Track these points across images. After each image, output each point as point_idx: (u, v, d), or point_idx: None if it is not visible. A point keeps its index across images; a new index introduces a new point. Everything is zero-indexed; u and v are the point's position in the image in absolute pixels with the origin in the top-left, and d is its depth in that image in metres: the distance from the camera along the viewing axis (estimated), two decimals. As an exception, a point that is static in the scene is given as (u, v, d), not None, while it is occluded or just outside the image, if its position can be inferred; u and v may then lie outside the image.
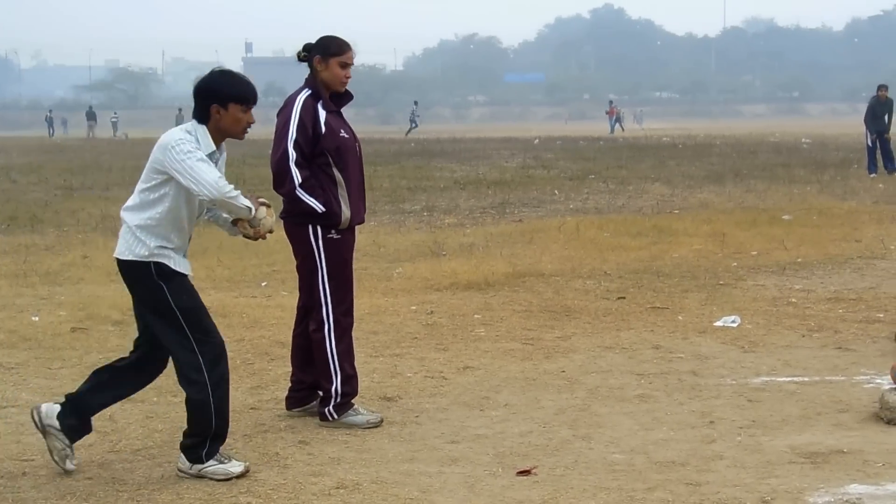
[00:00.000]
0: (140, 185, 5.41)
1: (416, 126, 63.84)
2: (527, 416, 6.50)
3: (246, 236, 5.60)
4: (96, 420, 5.77)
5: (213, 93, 5.42)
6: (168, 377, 7.50)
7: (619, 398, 6.86)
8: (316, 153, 6.20)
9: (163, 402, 6.87)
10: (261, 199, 5.55)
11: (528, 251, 13.47)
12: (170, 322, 5.39)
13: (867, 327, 8.82)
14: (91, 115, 72.28)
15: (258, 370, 7.72)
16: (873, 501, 4.99)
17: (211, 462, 5.46)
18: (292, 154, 6.19)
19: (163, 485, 5.39)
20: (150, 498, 5.21)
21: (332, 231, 6.27)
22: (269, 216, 5.57)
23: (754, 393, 6.92)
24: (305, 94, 6.33)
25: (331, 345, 6.35)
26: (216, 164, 5.43)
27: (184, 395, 5.52)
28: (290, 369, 6.68)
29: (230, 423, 5.61)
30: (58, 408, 5.56)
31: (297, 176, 6.17)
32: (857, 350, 8.07)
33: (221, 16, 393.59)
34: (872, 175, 24.86)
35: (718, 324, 8.98)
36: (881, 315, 9.19)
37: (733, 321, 9.01)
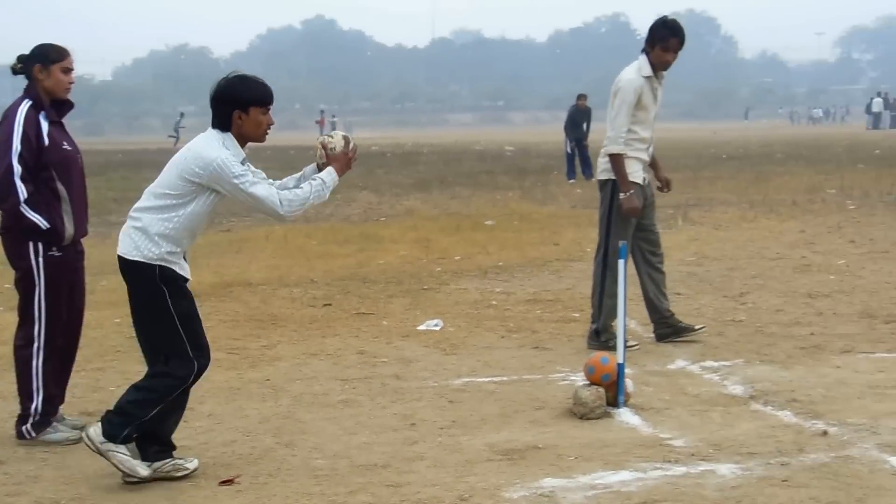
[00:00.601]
0: (161, 189, 5.32)
1: (178, 137, 62.63)
2: (231, 426, 6.45)
3: None
4: None
5: (233, 99, 5.34)
6: None
7: (322, 404, 6.90)
8: (39, 167, 5.99)
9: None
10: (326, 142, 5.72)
11: (235, 261, 13.36)
12: (167, 326, 5.34)
13: (563, 327, 9.19)
14: None
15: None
16: (565, 493, 5.20)
17: (121, 448, 5.37)
18: (17, 168, 5.96)
19: None
20: None
21: (54, 248, 6.08)
22: (338, 143, 5.72)
23: (455, 394, 7.09)
24: (27, 104, 6.10)
25: (37, 363, 6.16)
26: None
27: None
28: None
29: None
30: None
31: (21, 191, 5.94)
32: (553, 349, 8.39)
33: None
34: (571, 181, 25.89)
35: (422, 327, 9.16)
36: (577, 315, 9.58)
37: (436, 325, 9.21)
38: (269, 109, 5.47)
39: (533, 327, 9.15)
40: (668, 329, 8.55)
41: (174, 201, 5.31)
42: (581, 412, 6.48)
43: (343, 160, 5.69)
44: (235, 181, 5.25)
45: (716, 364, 7.78)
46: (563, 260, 13.08)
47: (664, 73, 8.33)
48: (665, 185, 8.73)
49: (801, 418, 6.36)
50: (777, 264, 12.43)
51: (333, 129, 59.08)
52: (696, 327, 8.61)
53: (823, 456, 5.65)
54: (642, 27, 8.31)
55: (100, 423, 5.41)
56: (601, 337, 8.26)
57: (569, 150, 27.07)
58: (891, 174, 24.82)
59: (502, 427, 6.34)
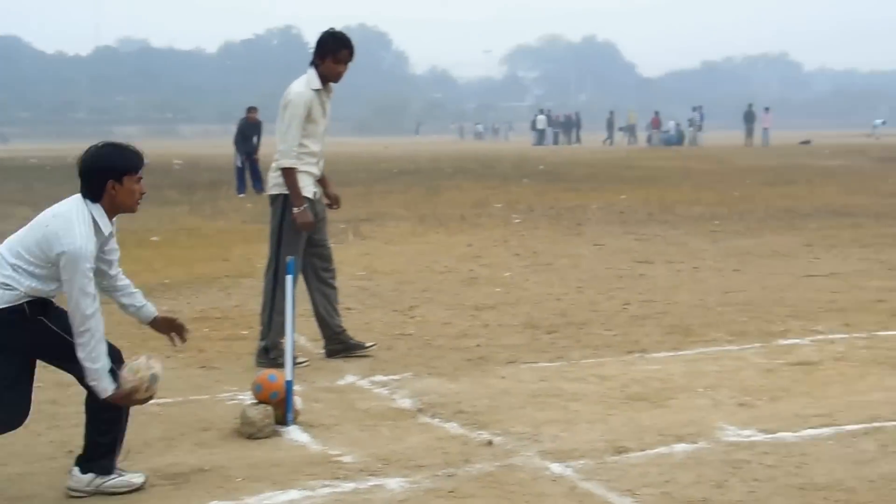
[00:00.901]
0: (19, 249, 5.06)
1: None
2: None
3: None
4: None
5: (107, 168, 5.03)
6: None
7: (-29, 434, 6.46)
8: None
9: None
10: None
11: None
12: (63, 349, 5.15)
13: (231, 345, 9.02)
14: None
15: None
16: (232, 516, 5.08)
17: (112, 476, 5.41)
18: None
19: None
20: None
21: None
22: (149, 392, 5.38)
23: (117, 418, 6.79)
24: None
25: None
26: (108, 243, 5.19)
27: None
28: None
29: None
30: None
31: None
32: (220, 368, 8.22)
33: None
34: (241, 195, 25.67)
35: (82, 349, 8.75)
36: (245, 332, 9.42)
37: (97, 346, 8.82)
38: (141, 177, 5.24)
39: (200, 346, 8.92)
40: (339, 345, 8.53)
41: (28, 267, 5.08)
42: (249, 432, 6.36)
43: (131, 398, 5.41)
44: (77, 277, 4.98)
45: (385, 378, 7.82)
46: (232, 276, 12.88)
47: (334, 85, 8.31)
48: (334, 202, 8.68)
49: (467, 429, 6.47)
50: (446, 278, 12.69)
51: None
52: (367, 344, 8.62)
53: (489, 465, 5.76)
54: (314, 40, 8.26)
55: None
56: (270, 354, 8.14)
57: (239, 163, 26.83)
58: (554, 189, 25.95)
59: (167, 451, 6.14)
